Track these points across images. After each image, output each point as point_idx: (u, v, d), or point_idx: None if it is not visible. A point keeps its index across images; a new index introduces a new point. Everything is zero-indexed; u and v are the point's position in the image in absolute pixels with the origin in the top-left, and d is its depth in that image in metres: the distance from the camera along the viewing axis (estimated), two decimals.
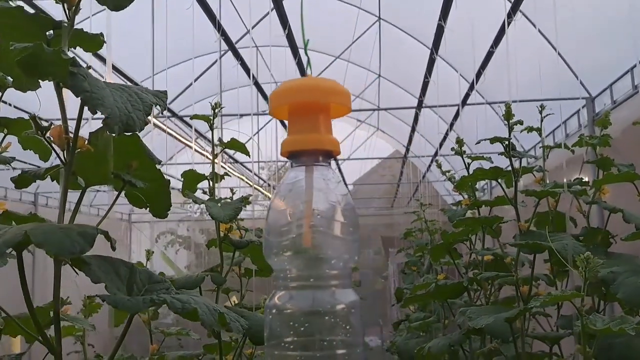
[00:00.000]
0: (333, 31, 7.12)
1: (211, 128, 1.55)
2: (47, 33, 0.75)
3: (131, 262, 0.77)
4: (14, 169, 1.13)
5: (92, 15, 1.67)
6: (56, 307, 0.69)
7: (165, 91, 0.75)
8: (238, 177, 7.14)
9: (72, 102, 0.74)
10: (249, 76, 3.63)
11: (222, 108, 1.55)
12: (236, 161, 7.31)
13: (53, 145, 0.71)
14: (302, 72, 4.52)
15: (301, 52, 4.11)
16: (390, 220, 13.57)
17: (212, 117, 1.54)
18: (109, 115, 0.61)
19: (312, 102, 0.43)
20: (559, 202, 1.82)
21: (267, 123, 5.56)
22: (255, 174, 8.12)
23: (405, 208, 9.95)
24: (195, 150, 4.51)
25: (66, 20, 0.72)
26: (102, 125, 0.62)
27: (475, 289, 2.16)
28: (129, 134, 0.80)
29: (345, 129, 10.39)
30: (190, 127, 4.78)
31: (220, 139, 1.54)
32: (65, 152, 0.72)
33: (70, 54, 0.70)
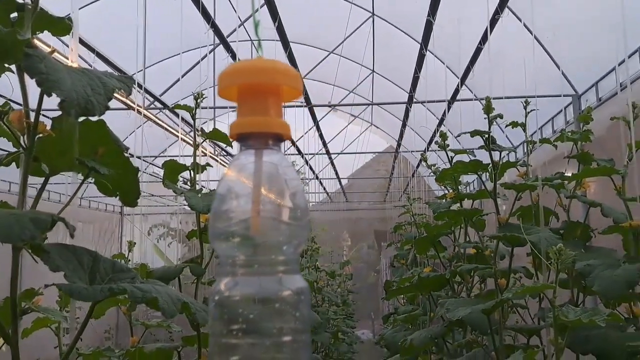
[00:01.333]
0: (327, 26, 7.10)
1: (193, 118, 1.54)
2: (12, 16, 0.74)
3: (95, 251, 0.77)
4: None
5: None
6: (13, 295, 0.68)
7: (131, 77, 0.74)
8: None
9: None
10: None
11: (204, 98, 1.54)
12: (228, 154, 7.29)
13: (11, 129, 0.70)
14: (293, 65, 4.51)
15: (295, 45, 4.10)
16: (383, 215, 13.60)
17: (194, 108, 1.53)
18: (65, 98, 0.60)
19: (262, 84, 0.42)
20: (543, 198, 1.83)
21: None
22: None
23: (397, 203, 9.96)
24: (182, 140, 4.49)
25: (30, 3, 0.71)
26: (58, 106, 0.61)
27: (459, 282, 2.17)
28: (95, 119, 0.79)
29: (339, 123, 10.38)
30: (182, 119, 4.75)
31: (202, 129, 1.53)
32: (25, 136, 0.71)
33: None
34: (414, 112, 6.28)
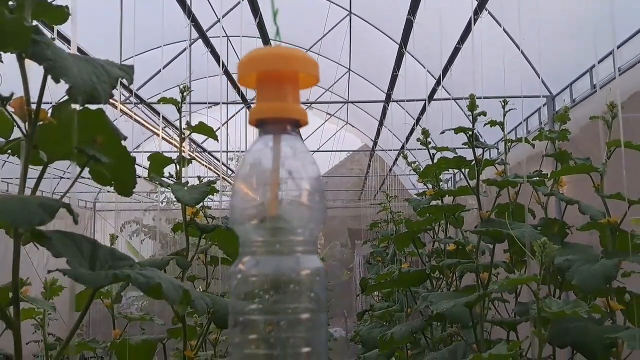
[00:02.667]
0: (304, 24, 7.11)
1: (179, 112, 1.54)
2: (10, 3, 0.74)
3: (94, 239, 0.77)
4: None
5: None
6: (14, 281, 0.68)
7: (132, 66, 0.74)
8: (206, 166, 7.06)
9: (37, 75, 0.72)
10: (219, 64, 3.57)
11: (191, 91, 1.54)
12: (204, 150, 7.24)
13: (14, 117, 0.70)
14: None
15: (274, 43, 4.09)
16: (357, 213, 13.67)
17: (180, 102, 1.53)
18: (73, 85, 0.61)
19: (281, 71, 0.43)
20: (519, 195, 1.88)
21: (236, 112, 5.54)
22: (223, 164, 8.05)
23: (372, 201, 10.03)
24: (163, 138, 4.46)
25: None
26: (66, 95, 0.61)
27: (438, 277, 2.21)
28: (94, 108, 0.80)
29: (315, 121, 10.40)
30: (158, 114, 4.71)
31: (188, 123, 1.53)
32: (26, 124, 0.71)
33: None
34: (392, 111, 6.33)
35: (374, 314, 3.29)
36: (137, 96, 5.07)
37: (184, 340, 1.43)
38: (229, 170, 8.92)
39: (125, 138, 0.81)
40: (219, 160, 8.28)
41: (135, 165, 0.85)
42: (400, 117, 6.69)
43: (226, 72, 4.12)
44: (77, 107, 0.77)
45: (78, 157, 0.77)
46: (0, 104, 0.68)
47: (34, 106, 0.71)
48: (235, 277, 0.41)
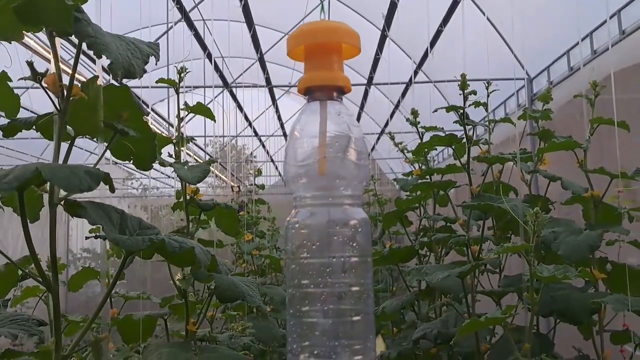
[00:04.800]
0: (283, 7, 7.08)
1: (177, 92, 1.56)
2: None
3: (121, 209, 0.80)
4: None
5: None
6: (52, 248, 0.72)
7: (158, 43, 0.77)
8: (187, 153, 7.03)
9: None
10: (203, 48, 3.57)
11: (187, 72, 1.56)
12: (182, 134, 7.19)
13: (48, 92, 0.73)
14: (256, 45, 4.52)
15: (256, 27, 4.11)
16: None
17: (178, 82, 1.55)
18: (113, 61, 0.64)
19: (326, 43, 0.48)
20: (502, 175, 1.95)
21: (217, 95, 5.54)
22: (201, 149, 8.04)
23: None
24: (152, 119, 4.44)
25: None
26: (108, 68, 0.64)
27: (425, 254, 2.28)
28: (118, 85, 0.83)
29: (293, 106, 10.41)
30: (138, 99, 4.67)
31: (186, 103, 1.55)
32: (59, 99, 0.74)
33: None
34: (373, 95, 6.39)
35: None
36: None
37: (186, 315, 1.47)
38: (206, 156, 8.90)
39: (148, 114, 0.84)
40: (197, 145, 8.26)
41: None
42: (379, 102, 6.76)
43: (209, 56, 4.12)
44: (101, 83, 0.81)
45: (105, 132, 0.81)
46: (35, 80, 0.71)
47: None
48: (292, 227, 0.46)
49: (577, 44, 3.59)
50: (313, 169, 0.47)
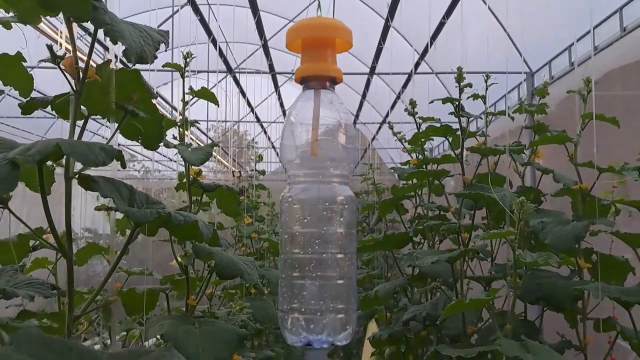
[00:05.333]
0: None
1: (182, 76, 1.62)
2: None
3: (130, 185, 0.87)
4: None
5: None
6: (67, 218, 0.78)
7: (168, 31, 0.83)
8: (190, 137, 7.09)
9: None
10: (208, 33, 3.61)
11: (193, 58, 1.62)
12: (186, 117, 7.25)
13: (65, 74, 0.79)
14: (260, 31, 4.56)
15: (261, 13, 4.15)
16: None
17: (184, 67, 1.60)
18: (128, 47, 0.70)
19: (321, 37, 0.54)
20: (498, 167, 2.01)
21: (221, 80, 5.58)
22: (203, 133, 8.09)
23: (353, 173, 10.17)
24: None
25: None
26: (122, 53, 0.70)
27: (419, 241, 2.34)
28: (130, 69, 0.89)
29: (295, 93, 10.42)
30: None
31: (191, 87, 1.61)
32: (75, 81, 0.79)
33: None
34: (375, 85, 6.43)
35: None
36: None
37: (187, 290, 1.53)
38: (208, 140, 8.95)
39: (156, 96, 0.90)
40: (200, 130, 8.31)
41: None
42: (381, 91, 6.80)
43: (213, 41, 4.16)
44: (114, 67, 0.87)
45: (116, 113, 0.87)
46: (54, 63, 0.77)
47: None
48: (285, 201, 0.52)
49: (579, 39, 3.63)
50: (306, 150, 0.53)
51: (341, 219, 0.52)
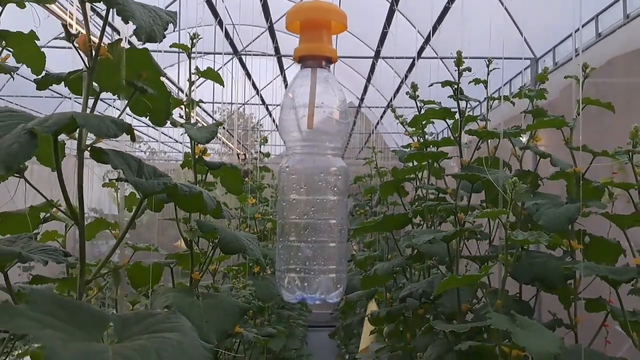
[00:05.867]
0: None
1: (189, 57, 1.66)
2: None
3: (138, 157, 0.91)
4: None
5: None
6: (80, 189, 0.83)
7: (176, 12, 0.87)
8: (196, 118, 7.13)
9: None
10: (215, 15, 3.63)
11: (200, 38, 1.65)
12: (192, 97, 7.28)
13: (79, 51, 0.83)
14: (267, 14, 4.58)
15: None
16: None
17: (190, 48, 1.65)
18: (138, 26, 0.74)
19: (318, 19, 0.58)
20: (499, 151, 2.04)
21: (227, 62, 5.62)
22: (209, 115, 8.13)
23: (356, 156, 10.21)
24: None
25: None
26: (133, 33, 0.74)
27: (418, 223, 2.39)
28: (140, 47, 0.93)
29: None
30: None
31: (197, 67, 1.65)
32: (88, 58, 0.84)
33: None
34: (380, 68, 6.44)
35: (356, 260, 3.50)
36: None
37: (191, 264, 1.59)
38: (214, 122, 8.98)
39: (165, 74, 0.95)
40: (205, 111, 8.34)
41: None
42: (387, 75, 6.81)
43: (220, 23, 4.19)
44: (124, 45, 0.91)
45: (126, 89, 0.91)
46: (68, 40, 0.81)
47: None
48: (283, 171, 0.57)
49: (583, 26, 3.64)
50: (302, 123, 0.57)
51: (334, 188, 0.57)
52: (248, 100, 7.85)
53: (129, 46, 0.96)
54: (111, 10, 0.77)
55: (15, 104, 5.52)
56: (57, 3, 3.38)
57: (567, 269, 1.45)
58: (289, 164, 0.57)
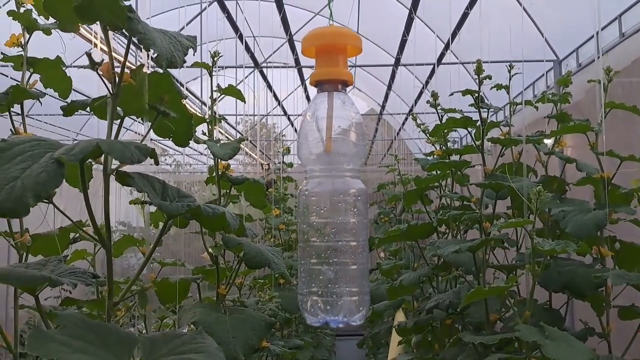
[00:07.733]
0: None
1: (210, 74, 1.68)
2: None
3: (163, 180, 0.93)
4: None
5: None
6: (106, 211, 0.85)
7: (195, 36, 0.89)
8: (219, 131, 7.21)
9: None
10: (235, 30, 3.67)
11: (220, 56, 1.68)
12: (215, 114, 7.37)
13: (102, 78, 0.85)
14: (286, 26, 4.61)
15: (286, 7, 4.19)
16: (363, 177, 13.80)
17: (211, 66, 1.67)
18: (159, 54, 0.76)
19: (333, 44, 0.59)
20: (524, 157, 2.02)
21: (248, 75, 5.67)
22: (232, 127, 8.20)
23: (380, 164, 10.19)
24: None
25: None
26: (154, 59, 0.76)
27: (443, 232, 2.37)
28: (162, 72, 0.95)
29: None
30: (177, 82, 4.83)
31: (218, 85, 1.67)
32: (112, 85, 0.86)
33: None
34: (400, 75, 6.43)
35: (382, 269, 3.49)
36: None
37: (217, 279, 1.60)
38: (237, 134, 9.06)
39: (186, 97, 0.96)
40: (229, 124, 8.41)
41: None
42: (408, 81, 6.78)
43: (240, 37, 4.23)
44: (147, 70, 0.93)
45: (149, 113, 0.93)
46: (92, 69, 0.83)
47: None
48: (302, 194, 0.57)
49: (605, 27, 3.58)
50: (321, 147, 0.58)
51: (354, 210, 0.57)
52: (270, 112, 7.90)
53: (151, 70, 0.98)
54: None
55: (45, 122, 5.64)
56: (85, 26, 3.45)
57: (597, 277, 1.42)
58: (309, 187, 0.57)
